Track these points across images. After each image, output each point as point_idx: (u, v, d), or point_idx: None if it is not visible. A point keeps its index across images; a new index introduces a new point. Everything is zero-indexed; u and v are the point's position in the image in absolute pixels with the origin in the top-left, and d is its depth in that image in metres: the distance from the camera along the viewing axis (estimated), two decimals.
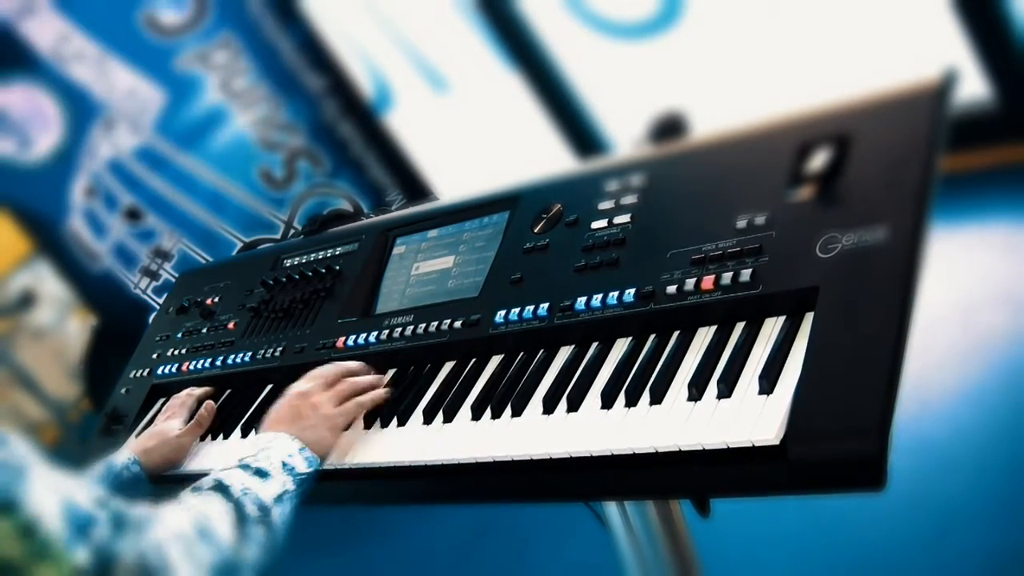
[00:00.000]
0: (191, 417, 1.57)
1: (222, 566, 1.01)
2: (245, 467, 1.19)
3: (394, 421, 1.33)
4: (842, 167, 1.09)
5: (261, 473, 1.18)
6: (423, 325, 1.41)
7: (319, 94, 4.64)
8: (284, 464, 1.21)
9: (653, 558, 1.43)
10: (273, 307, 1.67)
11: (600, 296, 1.21)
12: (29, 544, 0.83)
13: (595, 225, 1.29)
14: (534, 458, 1.12)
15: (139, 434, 1.74)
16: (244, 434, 1.51)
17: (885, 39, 3.20)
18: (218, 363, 1.67)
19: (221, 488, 1.13)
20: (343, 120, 4.68)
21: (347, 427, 1.34)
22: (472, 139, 4.65)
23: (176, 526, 1.00)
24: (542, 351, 1.27)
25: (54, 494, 0.86)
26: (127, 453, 1.45)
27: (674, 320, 1.16)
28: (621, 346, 1.20)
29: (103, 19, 4.32)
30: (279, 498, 1.16)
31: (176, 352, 1.79)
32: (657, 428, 1.04)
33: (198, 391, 1.63)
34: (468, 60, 4.35)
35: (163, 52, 4.39)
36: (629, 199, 1.28)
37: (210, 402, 1.59)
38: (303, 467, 1.23)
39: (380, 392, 1.37)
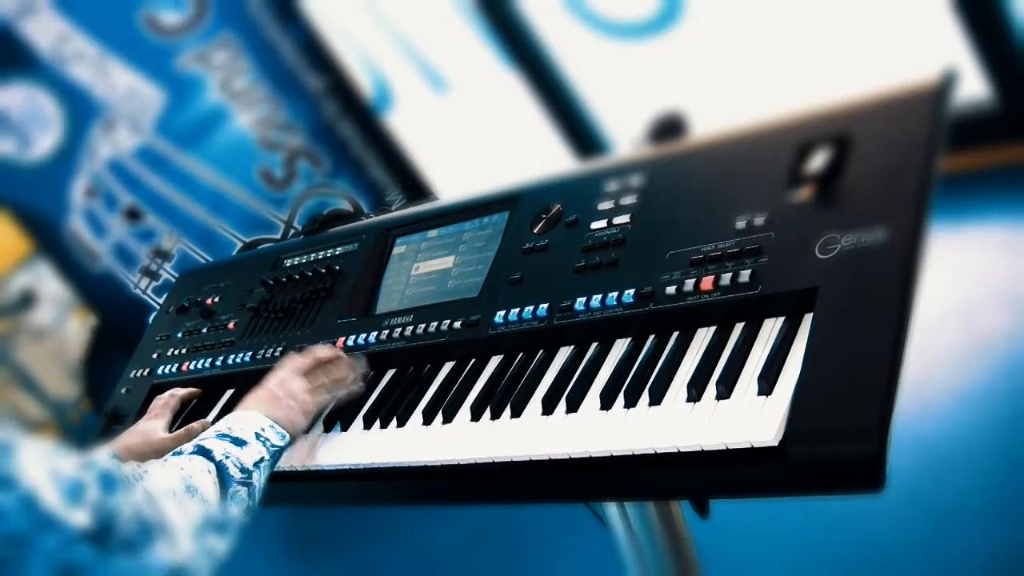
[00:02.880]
0: (174, 419, 1.57)
1: (210, 521, 1.04)
2: (222, 436, 1.22)
3: (394, 421, 1.33)
4: (842, 167, 1.09)
5: (237, 441, 1.22)
6: (423, 325, 1.41)
7: (319, 94, 4.64)
8: (257, 435, 1.25)
9: (653, 558, 1.43)
10: (273, 307, 1.67)
11: (599, 296, 1.21)
12: (33, 515, 0.84)
13: (595, 225, 1.29)
14: (533, 459, 1.13)
15: None
16: None
17: (885, 39, 3.19)
18: (218, 363, 1.67)
19: (203, 452, 1.17)
20: (343, 120, 4.68)
21: (318, 416, 1.39)
22: (472, 139, 4.65)
23: (165, 482, 1.03)
24: (541, 351, 1.27)
25: (42, 465, 0.87)
26: (107, 450, 1.44)
27: (673, 321, 1.16)
28: (620, 347, 1.20)
29: (103, 19, 4.32)
30: (257, 464, 1.21)
31: (176, 352, 1.79)
32: (656, 429, 1.04)
33: (181, 392, 1.63)
34: (468, 60, 4.35)
35: (163, 52, 4.39)
36: (629, 199, 1.28)
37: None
38: (276, 439, 1.26)
39: (353, 389, 1.42)
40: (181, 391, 1.63)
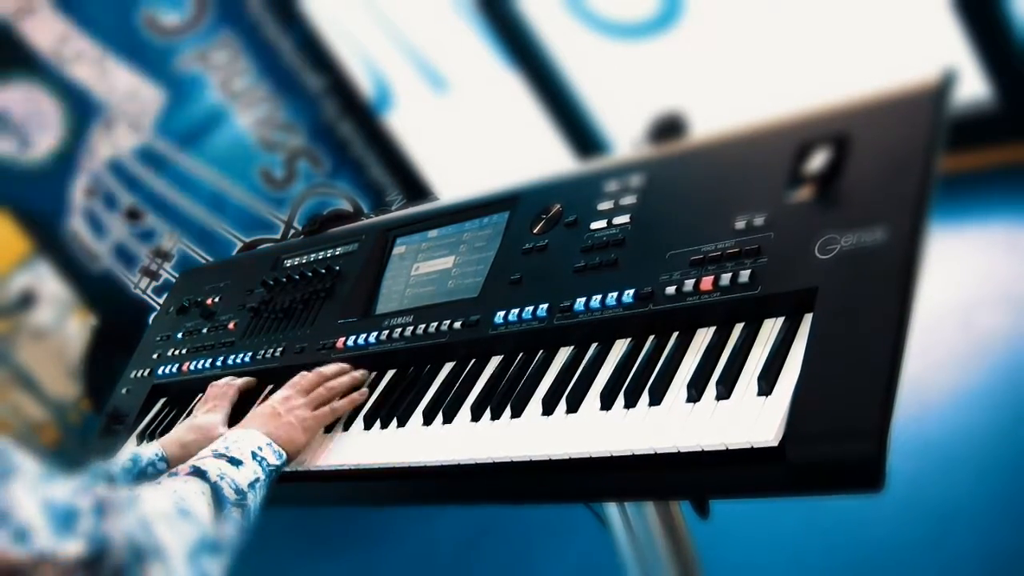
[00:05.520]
0: (232, 410, 1.51)
1: (204, 543, 1.04)
2: (218, 456, 1.22)
3: (394, 422, 1.33)
4: (841, 167, 1.09)
5: (234, 461, 1.22)
6: (423, 325, 1.41)
7: (319, 94, 4.64)
8: (254, 455, 1.25)
9: (653, 558, 1.43)
10: (273, 307, 1.67)
11: (599, 297, 1.21)
12: (27, 549, 0.85)
13: (594, 226, 1.29)
14: (533, 459, 1.12)
15: (144, 431, 1.73)
16: None
17: (885, 39, 3.20)
18: (218, 363, 1.67)
19: (198, 472, 1.17)
20: (343, 120, 4.68)
21: (320, 430, 1.38)
22: (472, 139, 4.65)
23: (157, 505, 1.02)
24: (541, 352, 1.27)
25: (33, 494, 0.88)
26: (156, 447, 1.41)
27: (673, 321, 1.16)
28: (620, 347, 1.20)
29: (103, 19, 4.32)
30: (252, 484, 1.20)
31: (176, 352, 1.79)
32: (656, 429, 1.04)
33: (239, 381, 1.56)
34: (468, 60, 4.35)
35: (163, 52, 4.39)
36: (628, 199, 1.28)
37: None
38: (273, 459, 1.27)
39: (354, 396, 1.41)
40: (239, 380, 1.56)
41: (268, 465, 1.25)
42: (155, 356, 1.83)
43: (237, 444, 1.25)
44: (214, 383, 1.56)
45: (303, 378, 1.42)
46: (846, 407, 0.91)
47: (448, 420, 1.27)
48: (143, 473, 1.39)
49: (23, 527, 0.85)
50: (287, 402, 1.36)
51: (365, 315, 1.53)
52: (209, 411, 1.49)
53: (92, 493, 0.93)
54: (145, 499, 1.02)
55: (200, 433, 1.43)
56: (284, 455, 1.29)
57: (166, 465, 1.39)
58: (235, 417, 1.48)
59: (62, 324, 4.66)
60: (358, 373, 1.45)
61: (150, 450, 1.40)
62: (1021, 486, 2.14)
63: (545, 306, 1.26)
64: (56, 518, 0.88)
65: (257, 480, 1.21)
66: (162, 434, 1.49)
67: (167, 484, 1.13)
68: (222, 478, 1.17)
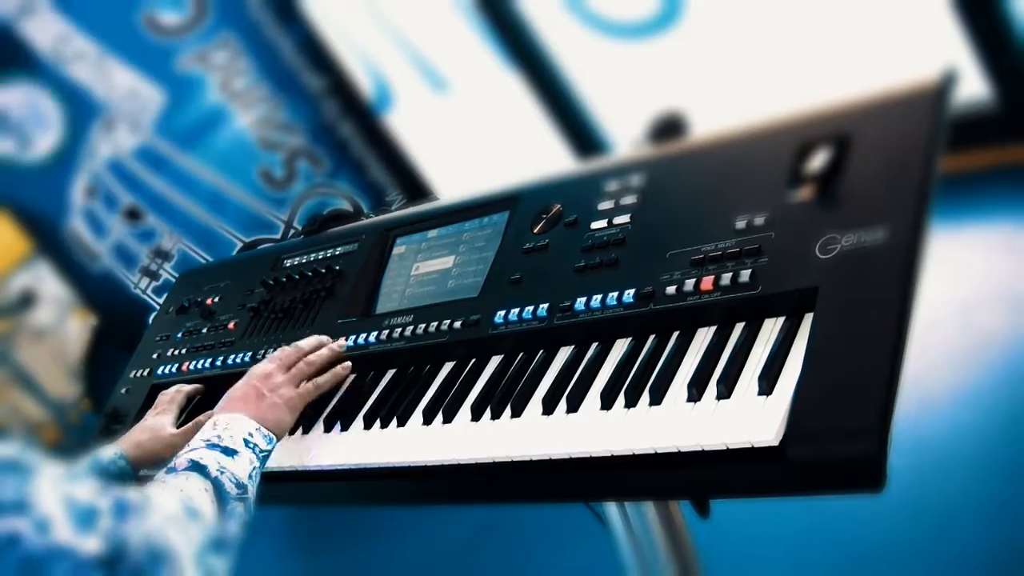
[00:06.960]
0: (180, 414, 1.58)
1: (211, 542, 1.04)
2: (213, 446, 1.22)
3: (394, 421, 1.33)
4: (842, 167, 1.09)
5: (228, 451, 1.22)
6: (423, 325, 1.41)
7: (319, 94, 4.64)
8: (246, 442, 1.24)
9: (653, 558, 1.43)
10: (273, 307, 1.67)
11: (600, 296, 1.21)
12: (46, 541, 0.86)
13: (595, 225, 1.29)
14: (534, 459, 1.13)
15: None
16: None
17: (885, 39, 3.20)
18: (218, 363, 1.67)
19: (198, 468, 1.17)
20: (343, 120, 4.68)
21: (304, 407, 1.38)
22: (472, 139, 4.65)
23: (167, 507, 1.03)
24: (542, 351, 1.27)
25: (56, 489, 0.89)
26: (114, 448, 1.46)
27: (673, 321, 1.16)
28: (621, 347, 1.20)
29: (103, 19, 4.32)
30: (250, 475, 1.21)
31: (176, 352, 1.79)
32: (656, 429, 1.04)
33: (187, 388, 1.63)
34: (468, 60, 4.35)
35: (163, 52, 4.39)
36: (629, 199, 1.28)
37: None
38: (264, 444, 1.27)
39: (337, 370, 1.42)
40: (187, 387, 1.63)
41: (261, 451, 1.25)
42: (155, 356, 1.83)
43: (228, 431, 1.25)
44: (164, 391, 1.62)
45: (282, 352, 1.42)
46: (847, 407, 0.91)
47: (448, 420, 1.27)
48: (104, 471, 1.42)
49: (44, 519, 0.85)
50: (268, 380, 1.35)
51: (365, 315, 1.53)
52: (158, 415, 1.55)
53: (112, 494, 0.93)
54: (154, 500, 1.02)
55: (151, 433, 1.49)
56: (273, 439, 1.29)
57: (125, 462, 1.43)
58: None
59: (62, 324, 4.66)
60: (336, 344, 1.45)
61: (110, 451, 1.44)
62: (1020, 485, 2.14)
63: (545, 306, 1.26)
64: (77, 515, 0.88)
65: (254, 469, 1.22)
66: None
67: (171, 482, 1.13)
68: (222, 472, 1.17)
